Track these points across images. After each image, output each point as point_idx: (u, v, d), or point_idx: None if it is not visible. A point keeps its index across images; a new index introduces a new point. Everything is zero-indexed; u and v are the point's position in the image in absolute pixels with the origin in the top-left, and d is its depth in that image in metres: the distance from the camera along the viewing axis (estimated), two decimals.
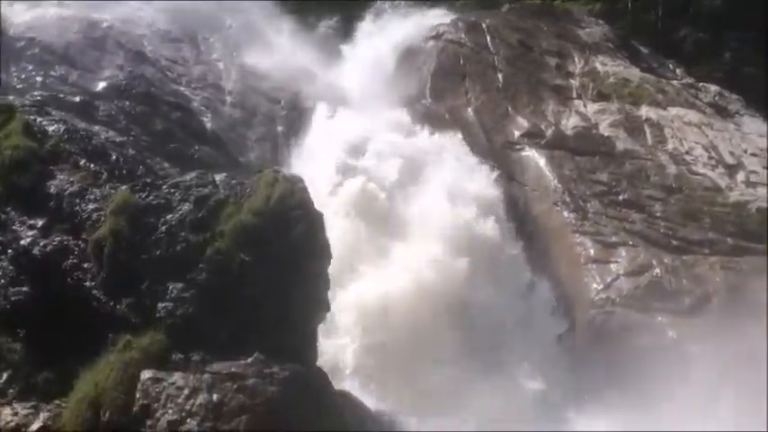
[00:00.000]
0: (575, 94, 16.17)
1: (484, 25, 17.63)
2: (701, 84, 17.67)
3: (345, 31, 18.95)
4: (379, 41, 17.71)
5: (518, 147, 14.82)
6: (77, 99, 12.18)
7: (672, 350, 11.52)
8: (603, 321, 12.03)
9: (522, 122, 15.25)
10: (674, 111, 15.86)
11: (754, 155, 14.99)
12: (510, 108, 15.69)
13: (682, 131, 15.28)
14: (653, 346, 11.57)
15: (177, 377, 7.34)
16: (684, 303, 12.05)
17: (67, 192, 8.73)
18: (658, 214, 13.48)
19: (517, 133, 15.06)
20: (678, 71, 18.42)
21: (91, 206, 8.60)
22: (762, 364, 11.00)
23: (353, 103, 15.53)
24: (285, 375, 7.47)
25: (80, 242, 8.38)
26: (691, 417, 10.29)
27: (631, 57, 18.00)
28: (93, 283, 8.07)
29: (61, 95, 12.08)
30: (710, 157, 14.74)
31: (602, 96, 16.05)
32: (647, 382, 10.93)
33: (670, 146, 14.88)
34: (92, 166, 9.33)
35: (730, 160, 14.74)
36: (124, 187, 8.58)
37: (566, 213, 13.52)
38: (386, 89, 16.62)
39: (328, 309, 8.56)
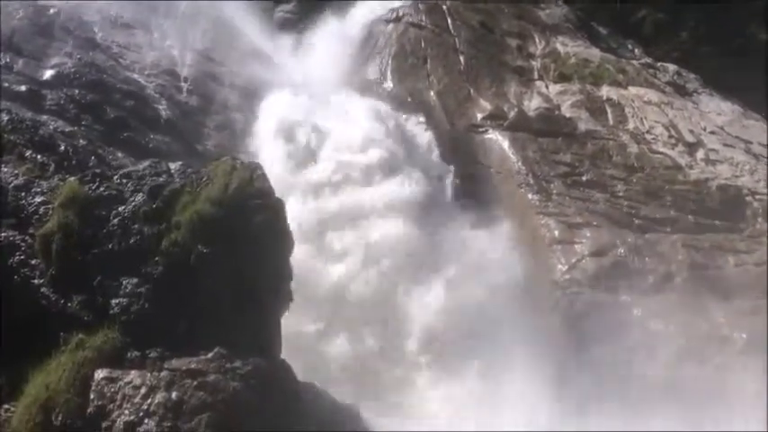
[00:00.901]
0: (536, 76, 16.12)
1: (444, 7, 17.43)
2: (659, 63, 17.80)
3: (303, 15, 18.57)
4: (338, 25, 17.39)
5: (481, 129, 14.71)
6: (23, 88, 11.62)
7: (636, 328, 11.57)
8: (569, 302, 12.02)
9: (485, 105, 15.13)
10: (633, 90, 15.92)
11: (712, 133, 15.16)
12: (472, 90, 15.56)
13: (642, 111, 15.35)
14: (618, 325, 11.60)
15: (133, 375, 7.06)
16: (648, 282, 12.12)
17: (12, 185, 8.32)
18: (621, 194, 13.53)
19: (480, 116, 14.94)
20: (637, 51, 18.52)
21: (38, 199, 8.21)
22: (723, 342, 11.19)
23: (312, 89, 15.21)
24: (248, 370, 7.25)
25: (27, 237, 7.98)
26: (656, 394, 10.39)
27: (591, 37, 18.02)
28: (42, 281, 7.70)
29: (6, 84, 11.51)
30: (671, 136, 14.84)
31: (563, 77, 16.02)
32: (614, 361, 10.99)
33: (631, 125, 14.93)
34: (38, 157, 8.92)
35: (690, 139, 14.86)
36: (72, 179, 8.18)
37: (530, 195, 13.48)
38: (345, 74, 16.35)
39: (291, 299, 8.33)
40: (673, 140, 14.68)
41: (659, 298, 11.87)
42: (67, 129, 10.84)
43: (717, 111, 15.99)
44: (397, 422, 8.82)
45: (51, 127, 10.44)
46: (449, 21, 17.09)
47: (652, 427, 9.20)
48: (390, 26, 17.01)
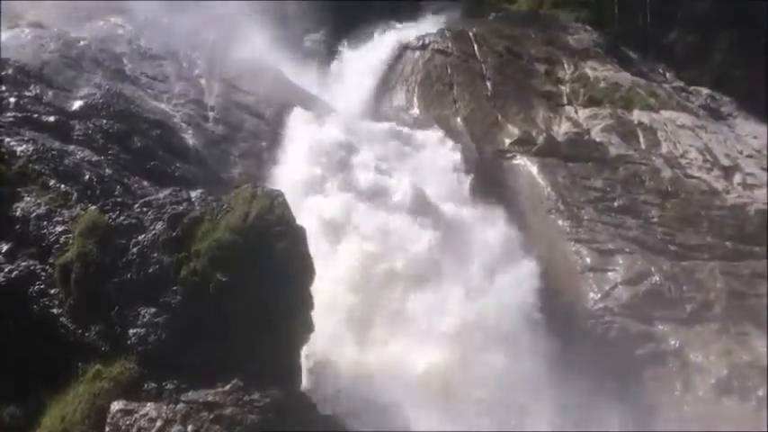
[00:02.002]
0: (565, 100, 15.89)
1: (471, 34, 17.37)
2: (691, 87, 17.48)
3: (332, 45, 18.67)
4: (365, 54, 17.43)
5: (509, 155, 14.49)
6: (52, 119, 11.78)
7: (674, 359, 11.14)
8: (603, 331, 11.64)
9: (513, 130, 14.94)
10: (666, 114, 15.59)
11: (749, 156, 14.73)
12: (500, 116, 15.39)
13: (675, 135, 15.00)
14: (654, 356, 11.19)
15: (149, 408, 6.92)
16: (685, 311, 11.69)
17: (34, 214, 8.33)
18: (655, 219, 13.16)
19: (508, 141, 14.74)
20: (668, 75, 18.21)
21: (59, 228, 8.20)
22: (766, 372, 10.68)
23: (341, 116, 15.20)
24: (266, 403, 7.06)
25: (47, 267, 7.96)
26: (694, 426, 9.93)
27: (621, 62, 17.75)
28: (61, 310, 7.65)
29: (35, 115, 11.68)
30: (705, 160, 14.45)
31: (593, 101, 15.77)
32: (650, 391, 10.58)
33: (664, 149, 14.58)
34: (62, 186, 8.94)
35: (726, 162, 14.44)
36: (93, 207, 8.16)
37: (560, 221, 13.17)
38: (372, 101, 16.34)
39: (312, 329, 8.13)
40: (708, 164, 14.28)
41: (697, 328, 11.42)
42: (94, 158, 10.91)
43: (753, 134, 15.56)
44: None
45: (78, 156, 10.52)
46: (475, 47, 17.02)
47: None
48: (417, 53, 17.01)
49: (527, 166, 14.24)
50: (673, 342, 11.35)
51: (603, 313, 11.89)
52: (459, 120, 15.39)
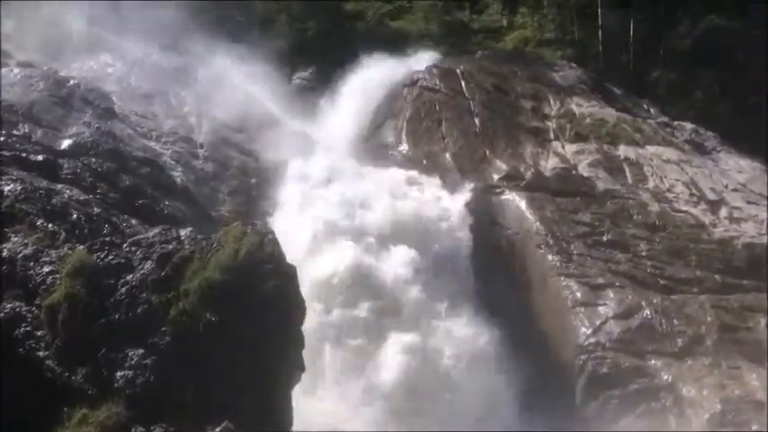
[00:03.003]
0: (552, 136, 16.04)
1: (458, 71, 17.59)
2: (676, 122, 17.69)
3: (320, 83, 18.84)
4: (353, 91, 17.58)
5: (498, 190, 14.56)
6: (40, 158, 11.72)
7: (667, 394, 11.07)
8: (595, 366, 11.57)
9: (501, 165, 15.04)
10: (651, 149, 15.76)
11: (735, 190, 14.86)
12: (488, 152, 15.51)
13: (661, 169, 15.14)
14: (647, 391, 11.11)
15: None
16: (677, 345, 11.66)
17: (21, 254, 8.23)
18: (644, 253, 13.19)
19: (496, 176, 14.83)
20: (653, 110, 18.44)
21: (46, 269, 8.09)
22: (759, 407, 10.62)
23: (329, 154, 15.29)
24: None
25: (33, 308, 7.83)
26: None
27: (606, 98, 18.00)
28: (47, 353, 7.50)
29: (23, 154, 11.63)
30: (692, 194, 14.57)
31: (579, 137, 15.93)
32: (644, 427, 10.49)
33: (651, 184, 14.70)
34: (50, 226, 8.85)
35: (712, 196, 14.57)
36: (81, 247, 8.07)
37: (550, 256, 13.18)
38: (361, 138, 16.44)
39: (303, 368, 8.03)
40: (695, 198, 14.40)
41: (689, 362, 11.37)
42: (82, 197, 10.82)
43: (737, 168, 15.72)
44: None
45: (66, 195, 10.44)
46: (463, 84, 17.22)
47: None
48: (405, 90, 17.17)
49: (515, 200, 14.31)
50: (665, 377, 11.29)
51: (595, 348, 11.83)
52: (447, 155, 15.49)
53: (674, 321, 12.05)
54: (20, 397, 7.23)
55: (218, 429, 6.98)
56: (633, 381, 11.35)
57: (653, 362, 11.55)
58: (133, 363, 7.31)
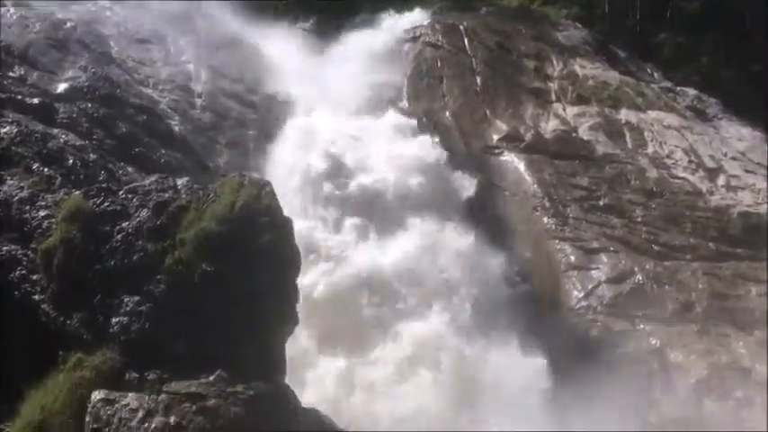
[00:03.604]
0: (553, 98, 15.89)
1: (461, 27, 17.30)
2: (679, 87, 17.54)
3: (322, 34, 18.53)
4: (355, 44, 17.30)
5: (497, 151, 14.48)
6: (36, 101, 11.59)
7: (654, 358, 11.20)
8: (585, 329, 11.69)
9: (501, 126, 14.93)
10: (653, 114, 15.65)
11: (733, 159, 14.83)
12: (488, 112, 15.37)
13: (661, 135, 15.07)
14: (635, 354, 11.25)
15: (131, 398, 6.83)
16: (667, 310, 11.76)
17: (17, 198, 8.18)
18: (639, 219, 13.22)
19: (496, 137, 14.73)
20: (656, 75, 18.27)
21: (42, 213, 8.06)
22: (745, 375, 10.78)
23: (330, 107, 15.11)
24: (250, 395, 6.99)
25: (29, 252, 7.82)
26: (673, 426, 10.00)
27: (609, 60, 17.79)
28: (43, 297, 7.52)
29: (19, 97, 11.49)
30: (691, 161, 14.54)
31: (581, 99, 15.79)
32: (630, 390, 10.63)
33: (650, 149, 14.64)
34: (45, 170, 8.79)
35: (711, 164, 14.54)
36: (77, 193, 8.02)
37: (546, 219, 13.20)
38: (362, 92, 16.23)
39: (297, 322, 8.08)
40: (693, 166, 14.37)
41: (678, 327, 11.49)
42: (78, 142, 10.74)
43: (737, 136, 15.65)
44: None
45: (62, 140, 10.35)
46: (465, 41, 16.95)
47: None
48: (407, 45, 16.91)
49: (514, 162, 14.25)
50: (654, 341, 11.41)
51: (586, 311, 11.93)
52: (447, 114, 15.35)
53: (666, 287, 12.14)
54: (15, 340, 7.29)
55: (211, 378, 7.05)
56: (622, 344, 11.45)
57: (642, 326, 11.66)
58: (128, 309, 7.34)
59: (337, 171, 13.05)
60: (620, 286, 12.10)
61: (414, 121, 14.73)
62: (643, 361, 11.19)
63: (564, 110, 15.59)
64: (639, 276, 12.22)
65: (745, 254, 12.62)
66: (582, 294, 12.06)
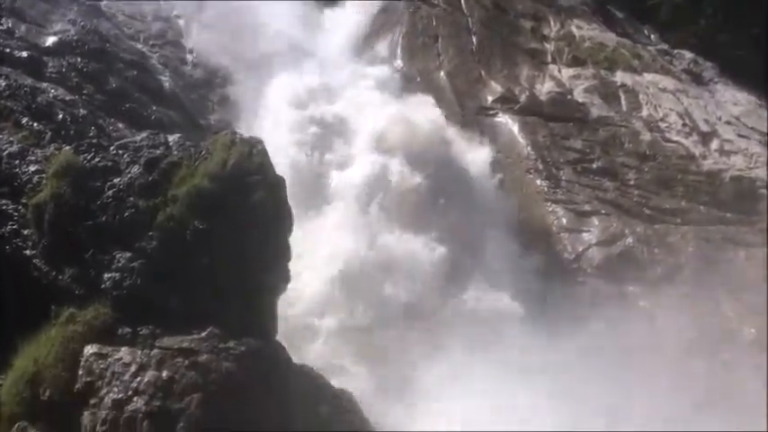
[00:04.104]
0: (549, 59, 15.77)
1: None
2: (675, 50, 17.42)
3: None
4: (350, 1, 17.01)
5: (491, 112, 14.40)
6: (24, 54, 11.36)
7: (643, 320, 11.34)
8: (574, 292, 11.80)
9: (496, 87, 14.83)
10: (649, 77, 15.58)
11: (728, 123, 14.83)
12: (483, 72, 15.24)
13: (657, 98, 15.02)
14: (624, 317, 11.38)
15: (123, 353, 6.87)
16: (657, 273, 11.88)
17: (6, 152, 8.08)
18: (632, 182, 13.27)
19: (490, 98, 14.64)
20: (653, 37, 18.13)
21: (32, 168, 7.98)
22: (732, 337, 10.95)
23: (322, 65, 14.91)
24: (241, 351, 7.05)
25: (20, 207, 7.77)
26: (661, 388, 10.16)
27: (607, 21, 17.62)
28: (34, 252, 7.49)
29: (6, 50, 11.26)
30: (685, 125, 14.53)
31: (577, 61, 15.68)
32: (618, 352, 10.77)
33: (645, 113, 14.61)
34: (35, 125, 8.69)
35: (705, 128, 14.54)
36: (67, 148, 7.94)
37: (538, 181, 13.22)
38: (356, 50, 16.03)
39: (289, 280, 8.10)
40: (687, 129, 14.37)
41: (667, 290, 11.63)
42: (68, 97, 10.58)
43: (733, 100, 15.63)
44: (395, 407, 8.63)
45: (51, 95, 10.20)
46: (462, 0, 16.71)
47: (655, 425, 8.93)
48: (403, 3, 16.66)
49: (508, 124, 14.19)
50: (642, 304, 11.56)
51: (577, 273, 12.03)
52: (442, 74, 15.21)
53: (656, 250, 12.26)
54: (7, 294, 7.28)
55: (203, 334, 7.09)
56: (611, 306, 11.58)
57: (632, 289, 11.79)
58: (120, 265, 7.33)
59: (324, 126, 12.96)
60: (610, 249, 12.20)
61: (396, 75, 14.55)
62: (632, 323, 11.31)
63: (559, 71, 15.48)
64: (630, 239, 12.32)
65: (735, 218, 12.73)
66: (573, 257, 12.15)
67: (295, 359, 7.69)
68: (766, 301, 10.98)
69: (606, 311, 11.33)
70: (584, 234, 12.42)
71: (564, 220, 12.61)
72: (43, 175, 7.88)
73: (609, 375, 10.00)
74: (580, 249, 12.23)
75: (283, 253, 8.02)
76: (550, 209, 12.79)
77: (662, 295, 11.49)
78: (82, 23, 12.70)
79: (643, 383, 10.00)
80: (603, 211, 12.71)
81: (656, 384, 9.98)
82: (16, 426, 6.60)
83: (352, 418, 7.54)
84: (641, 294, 11.57)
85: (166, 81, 12.84)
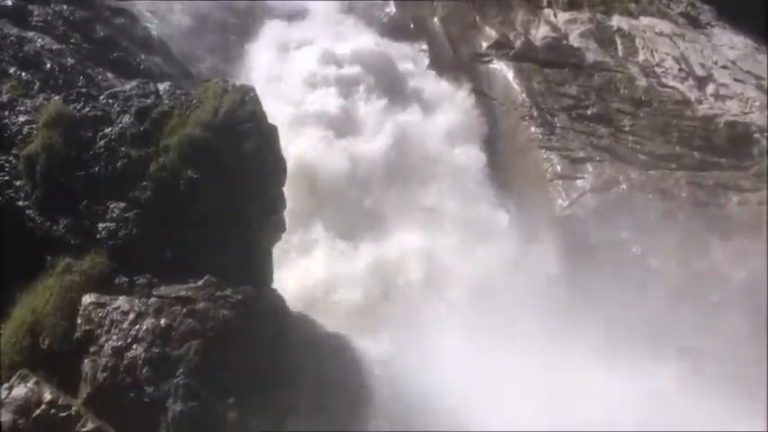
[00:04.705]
0: (545, 3, 15.46)
1: None
2: None
3: None
4: None
5: (486, 59, 14.22)
6: (9, 2, 11.05)
7: (635, 265, 11.45)
8: (567, 238, 11.87)
9: (491, 33, 14.59)
10: (645, 21, 15.33)
11: (724, 67, 14.67)
12: (478, 18, 14.97)
13: (653, 42, 14.81)
14: (616, 263, 11.48)
15: (121, 301, 6.94)
16: (649, 219, 11.93)
17: None
18: (627, 128, 13.19)
19: (485, 44, 14.41)
20: None
21: (21, 118, 7.90)
22: (721, 281, 11.09)
23: (312, 13, 14.65)
24: (238, 299, 7.12)
25: (10, 158, 7.71)
26: (652, 331, 10.34)
27: None
28: (27, 203, 7.48)
29: None
30: (681, 70, 14.37)
31: (572, 5, 15.38)
32: (611, 298, 10.92)
33: (641, 57, 14.44)
34: (23, 74, 8.54)
35: (700, 72, 14.40)
36: (57, 98, 7.84)
37: (533, 128, 13.14)
38: None
39: (284, 229, 8.13)
40: (683, 74, 14.22)
41: (659, 235, 11.69)
42: (55, 46, 10.35)
43: (729, 44, 15.41)
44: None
45: (38, 44, 9.98)
46: None
47: (643, 367, 9.12)
48: None
49: (503, 70, 14.03)
50: (635, 249, 11.63)
51: (570, 220, 12.08)
52: (435, 20, 14.95)
53: (649, 196, 12.26)
54: (3, 245, 7.29)
55: (200, 282, 7.16)
56: (603, 252, 11.67)
57: (624, 235, 11.84)
58: (115, 215, 7.34)
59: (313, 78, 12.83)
60: (604, 195, 12.21)
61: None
62: (623, 268, 11.42)
63: (555, 16, 15.22)
64: (624, 186, 12.32)
65: (728, 163, 12.71)
66: (567, 203, 12.17)
67: None
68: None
69: (599, 258, 11.44)
70: (579, 181, 12.41)
71: (558, 168, 12.58)
72: (33, 126, 7.80)
73: (599, 319, 10.17)
74: (574, 196, 12.24)
75: (277, 202, 8.03)
76: (545, 156, 12.75)
77: (654, 241, 11.55)
78: None
79: (633, 326, 10.18)
80: (598, 158, 12.69)
81: (644, 327, 10.15)
82: (17, 373, 6.69)
83: (348, 356, 7.58)
84: (634, 240, 11.63)
85: (154, 29, 12.59)
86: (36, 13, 11.15)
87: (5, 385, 6.62)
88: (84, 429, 6.46)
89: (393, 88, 13.17)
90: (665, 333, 10.41)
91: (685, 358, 9.27)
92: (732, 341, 9.97)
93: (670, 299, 11.01)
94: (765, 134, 13.01)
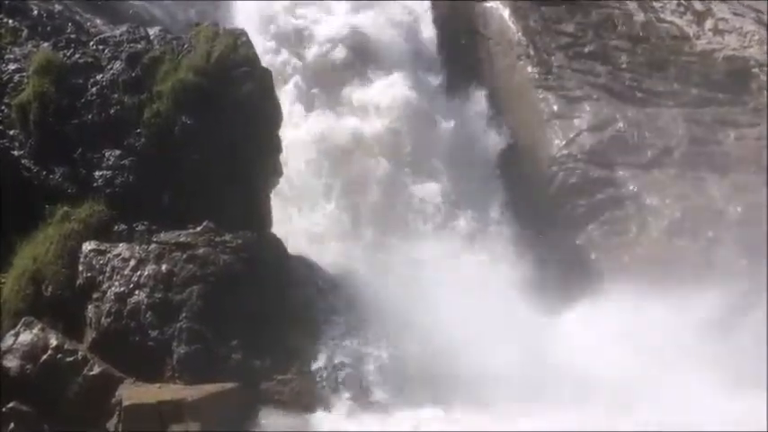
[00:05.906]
0: None
1: None
2: None
3: None
4: None
5: None
6: None
7: (630, 203, 11.51)
8: (565, 178, 11.89)
9: None
10: None
11: (722, 0, 14.40)
12: None
13: None
14: (612, 201, 11.54)
15: (122, 248, 6.99)
16: (646, 156, 11.93)
17: None
18: (624, 66, 13.02)
19: None
20: None
21: (11, 66, 7.81)
22: (718, 215, 11.17)
23: None
24: (238, 243, 7.18)
25: (3, 107, 7.65)
26: (648, 268, 10.45)
27: None
28: (22, 152, 7.45)
29: None
30: (679, 4, 14.10)
31: None
32: (607, 236, 11.01)
33: None
34: (10, 22, 8.39)
35: (699, 7, 14.13)
36: (46, 45, 7.72)
37: (529, 68, 12.98)
38: None
39: (281, 173, 8.13)
40: (681, 9, 13.95)
41: (656, 173, 11.71)
42: None
43: None
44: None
45: None
46: None
47: (637, 303, 9.23)
48: None
49: (499, 9, 13.76)
50: (631, 187, 11.66)
51: (566, 160, 12.05)
52: None
53: (646, 134, 12.20)
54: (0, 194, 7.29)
55: (199, 228, 7.20)
56: (600, 190, 11.69)
57: (621, 173, 11.85)
58: (111, 163, 7.33)
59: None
60: (601, 134, 12.15)
61: None
62: (620, 206, 11.48)
63: None
64: (621, 124, 12.25)
65: (725, 99, 12.61)
66: (563, 143, 12.13)
67: None
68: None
69: (596, 195, 11.48)
70: (575, 120, 12.34)
71: (555, 107, 12.48)
72: (24, 74, 7.71)
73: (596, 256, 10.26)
74: (571, 135, 12.19)
75: (274, 146, 8.01)
76: (541, 96, 12.64)
77: (651, 178, 11.58)
78: None
79: (629, 261, 10.28)
80: (594, 96, 12.57)
81: (641, 262, 10.26)
82: (22, 320, 6.79)
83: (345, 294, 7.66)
84: (631, 178, 11.66)
85: None
86: None
87: (11, 332, 6.72)
88: (91, 373, 6.58)
89: None
90: (660, 269, 10.51)
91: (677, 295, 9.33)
92: (730, 272, 10.07)
93: (665, 234, 11.10)
94: (764, 69, 12.87)
